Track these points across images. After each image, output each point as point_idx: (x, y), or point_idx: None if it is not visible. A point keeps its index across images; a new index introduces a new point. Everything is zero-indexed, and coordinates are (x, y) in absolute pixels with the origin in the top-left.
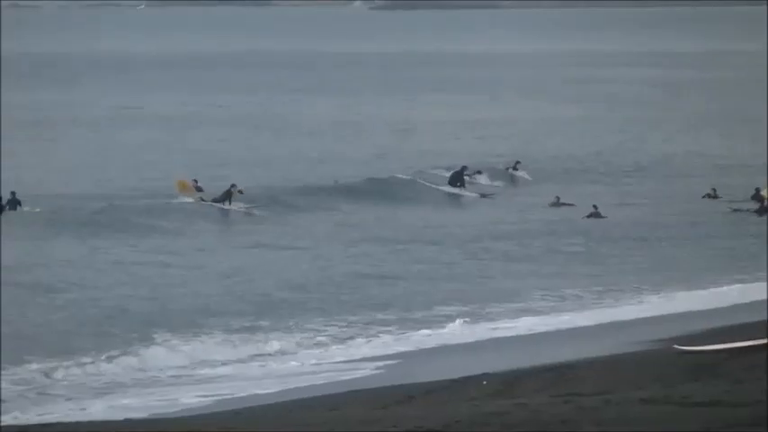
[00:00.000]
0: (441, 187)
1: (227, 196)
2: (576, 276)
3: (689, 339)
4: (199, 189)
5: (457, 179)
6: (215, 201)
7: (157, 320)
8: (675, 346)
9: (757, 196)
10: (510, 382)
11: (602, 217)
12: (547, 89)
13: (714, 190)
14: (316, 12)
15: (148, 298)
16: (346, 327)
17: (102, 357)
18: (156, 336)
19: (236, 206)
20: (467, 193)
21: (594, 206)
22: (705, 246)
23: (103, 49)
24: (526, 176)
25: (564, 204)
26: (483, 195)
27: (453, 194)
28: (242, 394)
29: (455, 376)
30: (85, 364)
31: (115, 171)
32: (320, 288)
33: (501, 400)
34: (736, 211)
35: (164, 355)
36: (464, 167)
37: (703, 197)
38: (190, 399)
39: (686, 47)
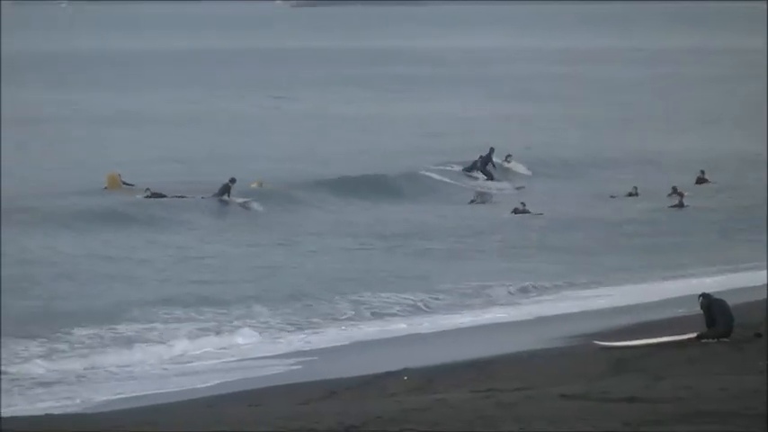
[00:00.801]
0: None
1: (226, 190)
2: (499, 272)
3: (609, 335)
4: (127, 184)
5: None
6: (214, 195)
7: (81, 315)
8: (596, 342)
9: (676, 192)
10: (430, 377)
11: (528, 213)
12: (471, 85)
13: (635, 188)
14: (240, 8)
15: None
16: (271, 322)
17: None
18: (74, 331)
19: (234, 200)
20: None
21: (522, 203)
22: (627, 242)
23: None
24: (524, 171)
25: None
26: (518, 188)
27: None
28: (161, 390)
29: (377, 371)
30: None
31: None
32: (259, 284)
33: (421, 396)
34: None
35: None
36: (492, 149)
37: (626, 195)
38: (108, 396)
39: (650, 43)
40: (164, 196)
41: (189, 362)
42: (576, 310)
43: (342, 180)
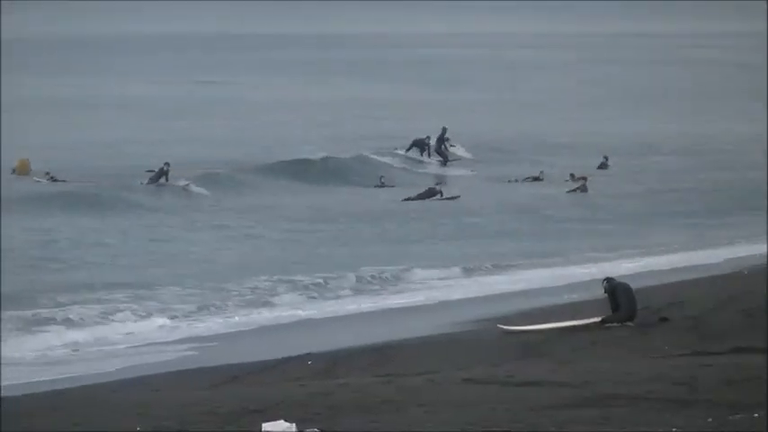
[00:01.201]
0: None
1: (162, 174)
2: (404, 256)
3: (514, 319)
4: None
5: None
6: (150, 181)
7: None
8: (500, 326)
9: (575, 179)
10: (334, 361)
11: (442, 197)
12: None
13: (541, 172)
14: None
15: None
16: (177, 306)
17: None
18: None
19: (173, 183)
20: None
21: (431, 187)
22: (528, 227)
23: None
24: (466, 154)
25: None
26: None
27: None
28: (63, 375)
29: (280, 356)
30: None
31: None
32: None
33: (324, 381)
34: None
35: None
36: (444, 129)
37: (526, 179)
38: (10, 381)
39: (602, 28)
40: (63, 181)
41: (94, 347)
42: (479, 294)
43: (282, 164)
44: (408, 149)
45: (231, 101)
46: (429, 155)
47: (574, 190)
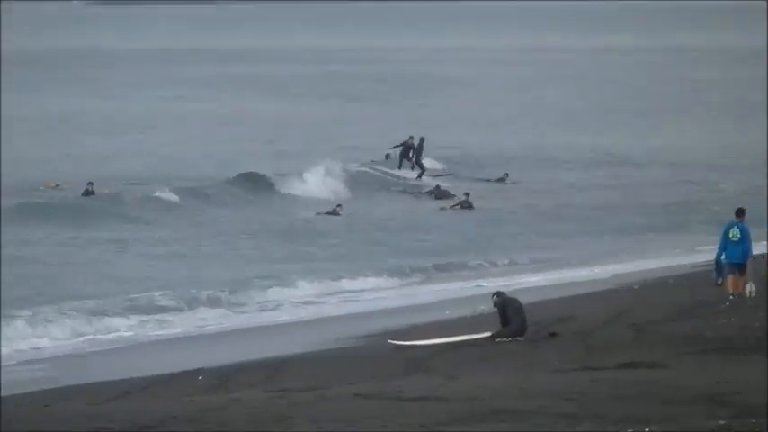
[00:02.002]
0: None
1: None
2: (291, 271)
3: (404, 334)
4: None
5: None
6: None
7: None
8: (390, 341)
9: (465, 201)
10: (225, 377)
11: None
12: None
13: (437, 186)
14: (34, 8)
15: None
16: (59, 321)
17: None
18: None
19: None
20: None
21: (339, 205)
22: (415, 243)
23: None
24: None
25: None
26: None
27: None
28: None
29: (172, 371)
30: None
31: None
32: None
33: (216, 396)
34: (443, 209)
35: None
36: (422, 139)
37: (426, 193)
38: None
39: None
40: None
41: None
42: (369, 309)
43: (207, 182)
44: (393, 147)
45: (188, 115)
46: (414, 160)
47: (453, 206)
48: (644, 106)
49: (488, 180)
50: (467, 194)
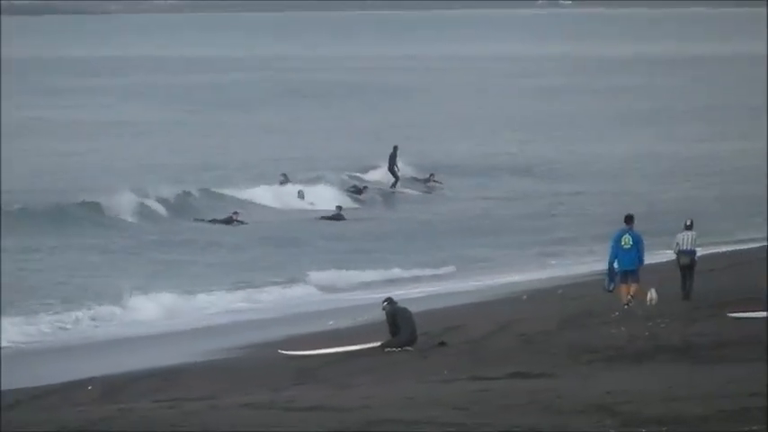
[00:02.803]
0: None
1: None
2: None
3: (294, 344)
4: None
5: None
6: None
7: None
8: (281, 351)
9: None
10: (116, 386)
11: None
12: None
13: (300, 192)
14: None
15: None
16: None
17: None
18: None
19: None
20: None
21: (235, 212)
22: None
23: None
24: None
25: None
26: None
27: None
28: None
29: (62, 380)
30: None
31: None
32: None
33: (107, 406)
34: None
35: None
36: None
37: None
38: None
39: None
40: None
41: None
42: (258, 317)
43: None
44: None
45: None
46: (388, 168)
47: (329, 217)
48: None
49: (416, 179)
50: (338, 207)
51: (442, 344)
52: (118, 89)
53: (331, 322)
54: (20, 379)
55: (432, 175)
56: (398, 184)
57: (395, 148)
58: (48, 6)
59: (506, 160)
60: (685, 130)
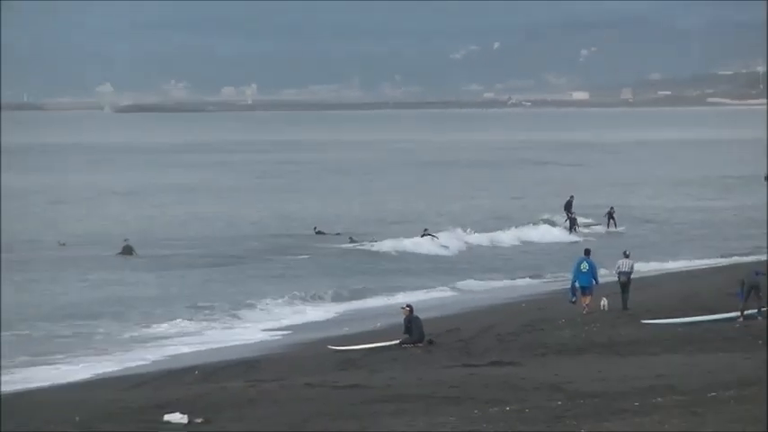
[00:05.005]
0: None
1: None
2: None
3: (338, 341)
4: None
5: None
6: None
7: None
8: (330, 346)
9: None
10: (211, 371)
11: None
12: None
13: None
14: (81, 115)
15: None
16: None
17: None
18: None
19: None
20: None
21: (125, 240)
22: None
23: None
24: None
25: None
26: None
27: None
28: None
29: (175, 367)
30: None
31: None
32: None
33: (208, 385)
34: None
35: None
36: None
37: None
38: None
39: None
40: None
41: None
42: (312, 320)
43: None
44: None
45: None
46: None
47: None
48: None
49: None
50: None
51: (430, 342)
52: (270, 161)
53: (378, 324)
54: (142, 367)
55: (612, 208)
56: (577, 227)
57: (571, 197)
58: (157, 106)
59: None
60: None
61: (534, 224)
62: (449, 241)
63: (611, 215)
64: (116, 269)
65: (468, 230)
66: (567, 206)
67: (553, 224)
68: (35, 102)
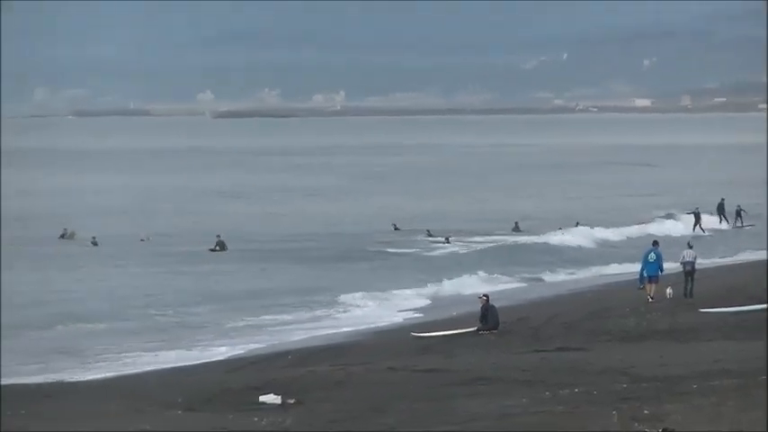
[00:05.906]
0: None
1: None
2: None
3: (419, 328)
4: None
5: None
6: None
7: None
8: (412, 333)
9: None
10: (306, 356)
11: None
12: None
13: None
14: (180, 120)
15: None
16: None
17: None
18: None
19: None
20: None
21: (218, 236)
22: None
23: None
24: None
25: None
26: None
27: None
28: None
29: (270, 353)
30: None
31: None
32: None
33: (299, 368)
34: None
35: None
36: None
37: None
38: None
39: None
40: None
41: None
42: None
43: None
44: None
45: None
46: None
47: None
48: None
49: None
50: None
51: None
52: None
53: (454, 313)
54: (242, 353)
55: (739, 206)
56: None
57: (722, 200)
58: (255, 111)
59: None
60: None
61: (660, 219)
62: (581, 238)
63: (738, 213)
64: (219, 262)
65: (596, 228)
66: (720, 208)
67: (677, 219)
68: (142, 108)
